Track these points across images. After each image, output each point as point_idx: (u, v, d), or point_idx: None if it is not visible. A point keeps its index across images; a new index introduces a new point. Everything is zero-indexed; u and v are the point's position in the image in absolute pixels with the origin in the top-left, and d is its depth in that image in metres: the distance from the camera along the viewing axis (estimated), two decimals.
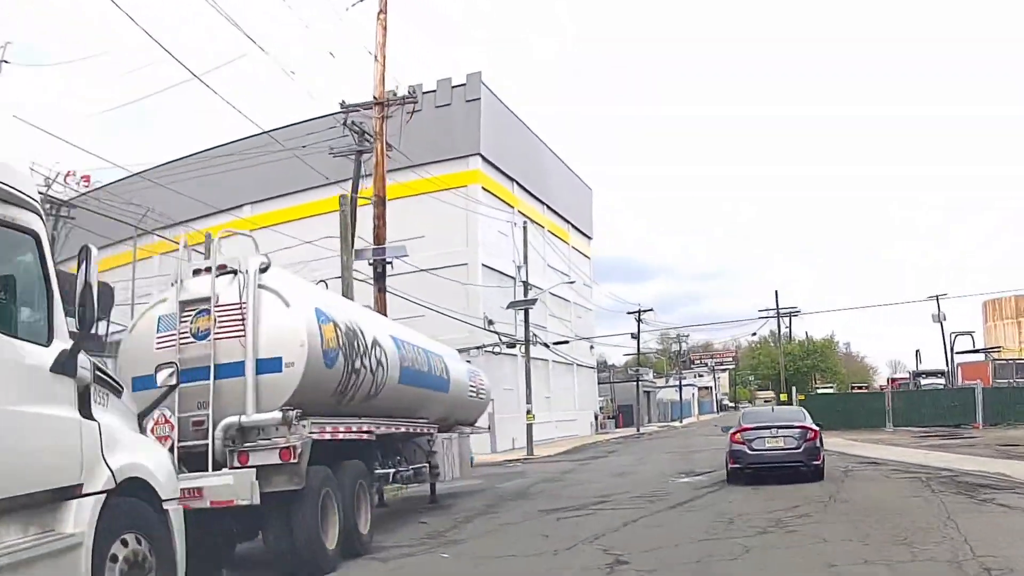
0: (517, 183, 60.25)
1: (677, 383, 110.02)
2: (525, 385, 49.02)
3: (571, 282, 54.51)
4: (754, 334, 78.43)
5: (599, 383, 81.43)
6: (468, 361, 52.86)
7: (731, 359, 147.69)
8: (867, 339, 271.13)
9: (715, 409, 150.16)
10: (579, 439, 62.45)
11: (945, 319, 76.17)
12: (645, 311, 78.58)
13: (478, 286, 51.11)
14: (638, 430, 76.28)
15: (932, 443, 35.00)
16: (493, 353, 51.01)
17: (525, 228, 51.15)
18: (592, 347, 76.09)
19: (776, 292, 72.97)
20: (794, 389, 53.59)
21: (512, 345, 50.15)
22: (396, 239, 50.17)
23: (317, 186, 46.21)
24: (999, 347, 67.10)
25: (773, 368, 73.64)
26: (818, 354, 73.64)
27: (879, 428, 48.84)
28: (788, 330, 77.97)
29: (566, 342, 54.75)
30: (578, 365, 70.27)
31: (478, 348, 50.77)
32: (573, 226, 73.53)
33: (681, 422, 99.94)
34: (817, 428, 22.31)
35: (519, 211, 58.90)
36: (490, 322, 50.56)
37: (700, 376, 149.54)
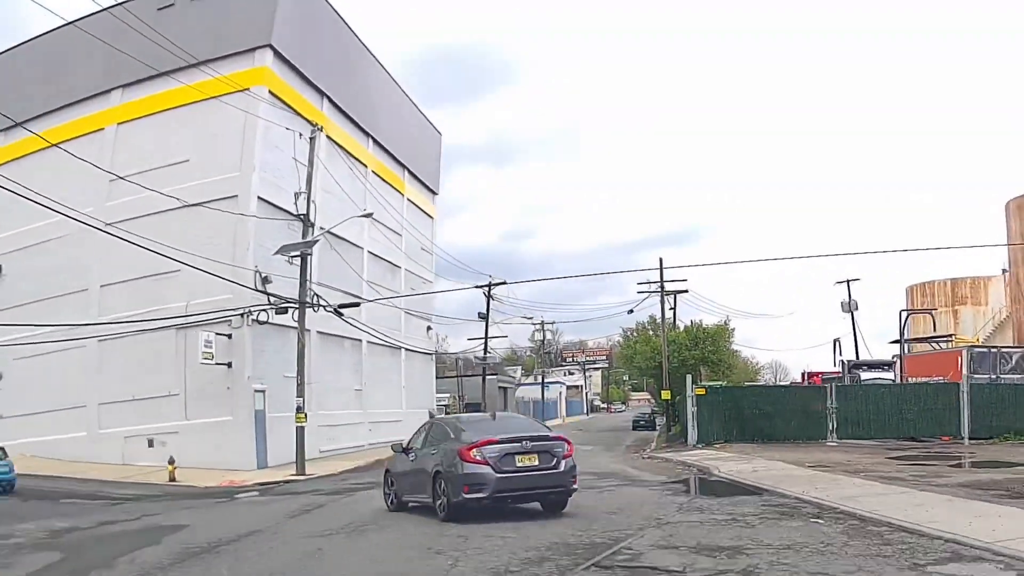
0: (328, 99, 44.14)
1: (540, 379, 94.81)
2: (297, 369, 33.07)
3: (368, 215, 37.67)
4: (630, 311, 62.37)
5: (438, 376, 65.51)
6: (229, 335, 37.11)
7: (604, 357, 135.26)
8: (753, 340, 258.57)
9: (585, 410, 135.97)
10: None
11: (857, 308, 63.63)
12: (496, 284, 62.67)
13: (248, 216, 35.27)
14: None
15: (975, 481, 19.77)
16: (257, 322, 35.05)
17: (313, 139, 34.99)
18: (430, 328, 60.18)
19: (660, 260, 55.52)
20: (689, 379, 38.21)
21: (283, 311, 34.17)
22: (156, 165, 36.80)
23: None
24: (951, 335, 53.44)
25: (653, 360, 58.59)
26: (708, 342, 58.63)
27: (816, 440, 34.38)
28: (673, 312, 63.39)
29: (355, 304, 38.26)
30: (407, 350, 54.16)
31: (242, 314, 34.82)
32: (412, 173, 57.43)
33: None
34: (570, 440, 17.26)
35: (328, 136, 42.91)
36: (265, 280, 34.70)
37: (571, 374, 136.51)
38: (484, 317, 63.80)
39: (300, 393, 32.73)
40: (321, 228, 34.66)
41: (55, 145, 33.02)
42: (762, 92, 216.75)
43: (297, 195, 33.68)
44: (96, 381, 37.64)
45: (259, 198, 36.20)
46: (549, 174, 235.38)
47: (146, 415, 36.06)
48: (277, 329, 35.45)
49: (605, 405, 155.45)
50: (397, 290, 51.81)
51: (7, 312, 38.17)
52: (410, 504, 18.07)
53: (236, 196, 35.73)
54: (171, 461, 30.81)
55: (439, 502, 16.20)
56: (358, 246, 46.72)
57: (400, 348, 52.90)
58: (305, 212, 33.48)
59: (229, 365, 34.68)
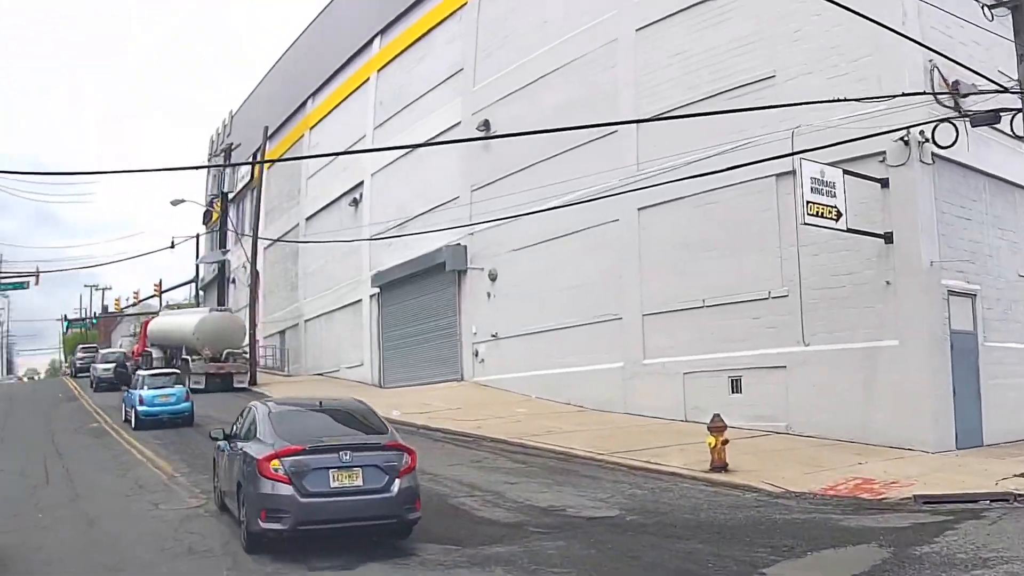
0: None
1: None
2: None
3: None
4: None
5: None
6: (882, 181, 16.67)
7: None
8: None
9: None
10: None
11: None
12: None
13: None
14: None
15: None
16: (936, 154, 17.71)
17: None
18: None
19: None
20: None
21: (992, 120, 16.21)
22: None
23: None
24: None
25: None
26: None
27: None
28: None
29: None
30: None
31: (904, 138, 17.55)
32: None
33: None
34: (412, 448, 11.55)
35: None
36: (955, 86, 18.37)
37: None
38: None
39: None
40: None
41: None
42: None
43: None
44: (636, 276, 23.99)
45: None
46: None
47: (723, 335, 21.32)
48: (996, 184, 17.76)
49: None
50: None
51: (499, 183, 28.44)
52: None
53: None
54: (715, 426, 15.74)
55: (242, 525, 11.49)
56: None
57: None
58: None
59: (886, 238, 17.82)
